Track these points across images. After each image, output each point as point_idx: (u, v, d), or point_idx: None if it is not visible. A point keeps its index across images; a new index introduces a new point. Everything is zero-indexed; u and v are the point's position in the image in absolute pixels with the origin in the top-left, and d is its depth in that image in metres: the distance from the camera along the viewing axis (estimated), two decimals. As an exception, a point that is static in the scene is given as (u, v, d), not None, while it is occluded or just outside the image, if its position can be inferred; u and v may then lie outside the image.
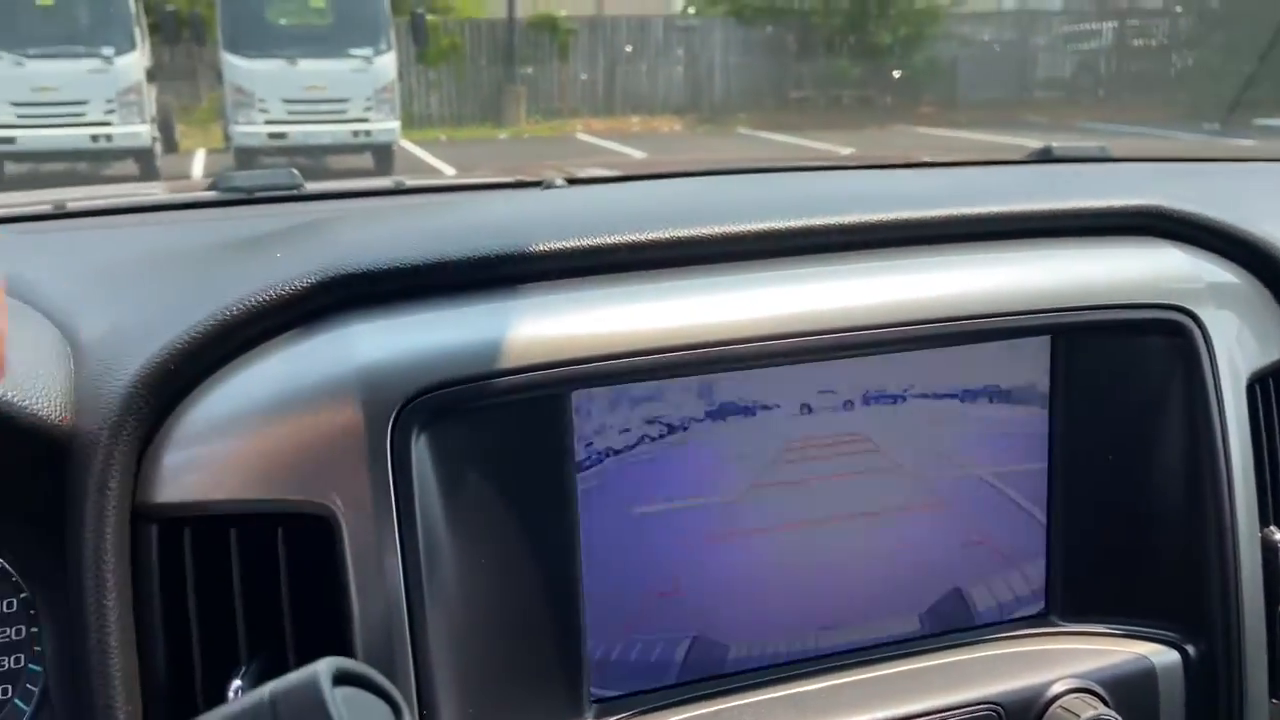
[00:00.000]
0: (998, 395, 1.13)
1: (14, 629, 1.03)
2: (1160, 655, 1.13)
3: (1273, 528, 1.17)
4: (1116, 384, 1.13)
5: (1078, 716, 1.05)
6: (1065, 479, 1.14)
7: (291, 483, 0.88)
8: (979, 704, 1.06)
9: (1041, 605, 1.17)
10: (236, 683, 0.87)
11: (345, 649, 0.89)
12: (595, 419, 0.99)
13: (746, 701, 1.04)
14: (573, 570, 0.99)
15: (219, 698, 0.88)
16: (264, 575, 0.91)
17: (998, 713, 1.06)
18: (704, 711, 1.03)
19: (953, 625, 1.15)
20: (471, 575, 0.94)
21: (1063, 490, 1.15)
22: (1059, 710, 1.06)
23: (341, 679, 0.63)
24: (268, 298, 0.93)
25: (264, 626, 0.91)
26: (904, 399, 1.09)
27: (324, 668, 0.62)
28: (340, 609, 0.89)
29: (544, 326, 0.96)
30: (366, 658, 0.88)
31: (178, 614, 0.91)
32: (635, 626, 1.04)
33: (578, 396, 0.98)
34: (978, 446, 1.13)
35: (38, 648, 1.02)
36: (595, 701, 1.03)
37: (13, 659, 1.02)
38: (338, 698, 0.61)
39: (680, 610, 1.06)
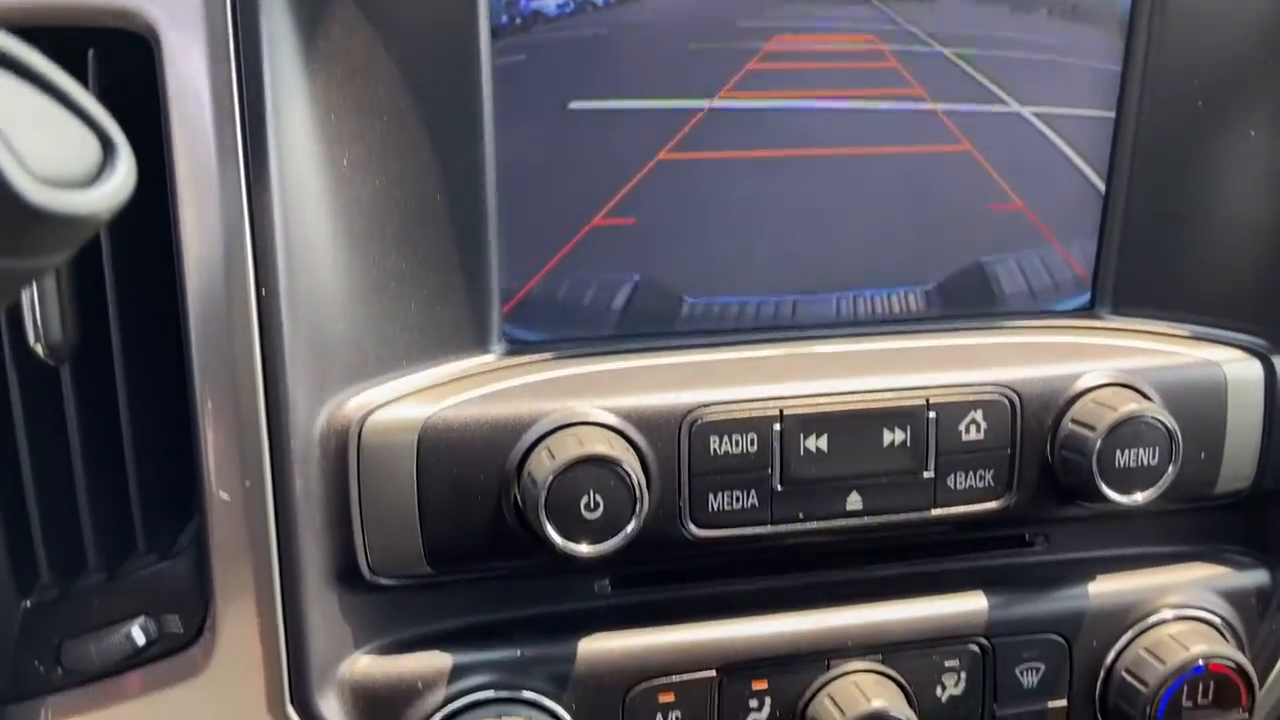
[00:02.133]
0: (1062, 7, 0.87)
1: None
2: (1235, 362, 0.89)
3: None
4: (1220, 9, 0.86)
5: (1113, 410, 0.83)
6: (1137, 134, 0.89)
7: (99, -17, 0.68)
8: (988, 386, 0.84)
9: (1086, 296, 0.94)
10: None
11: (169, 207, 0.70)
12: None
13: (696, 360, 0.85)
14: (478, 174, 0.78)
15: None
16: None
17: (1010, 398, 0.84)
18: (640, 364, 0.83)
19: (970, 307, 0.93)
20: (336, 144, 0.73)
21: (1132, 148, 0.89)
22: (1090, 404, 0.84)
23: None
24: None
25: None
26: (932, -7, 0.84)
27: None
28: (158, 154, 0.70)
29: None
30: (194, 216, 0.70)
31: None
32: (565, 259, 0.85)
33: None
34: (1027, 76, 0.88)
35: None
36: (509, 341, 0.84)
37: None
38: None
39: (624, 243, 0.85)
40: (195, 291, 0.70)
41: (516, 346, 0.84)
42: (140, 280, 0.74)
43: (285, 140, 0.70)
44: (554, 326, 0.85)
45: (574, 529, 0.74)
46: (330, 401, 0.75)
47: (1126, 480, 0.83)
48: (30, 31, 0.70)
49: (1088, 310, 0.94)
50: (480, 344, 0.82)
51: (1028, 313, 0.93)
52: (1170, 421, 0.83)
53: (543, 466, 0.74)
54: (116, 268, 0.72)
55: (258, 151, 0.69)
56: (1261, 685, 0.95)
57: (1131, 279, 0.93)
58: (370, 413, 0.76)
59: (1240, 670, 0.88)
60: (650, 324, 0.87)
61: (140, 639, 0.75)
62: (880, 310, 0.91)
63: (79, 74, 0.70)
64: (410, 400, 0.77)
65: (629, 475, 0.75)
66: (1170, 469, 0.83)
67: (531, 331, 0.85)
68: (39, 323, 0.70)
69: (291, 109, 0.71)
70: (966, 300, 0.92)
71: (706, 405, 0.80)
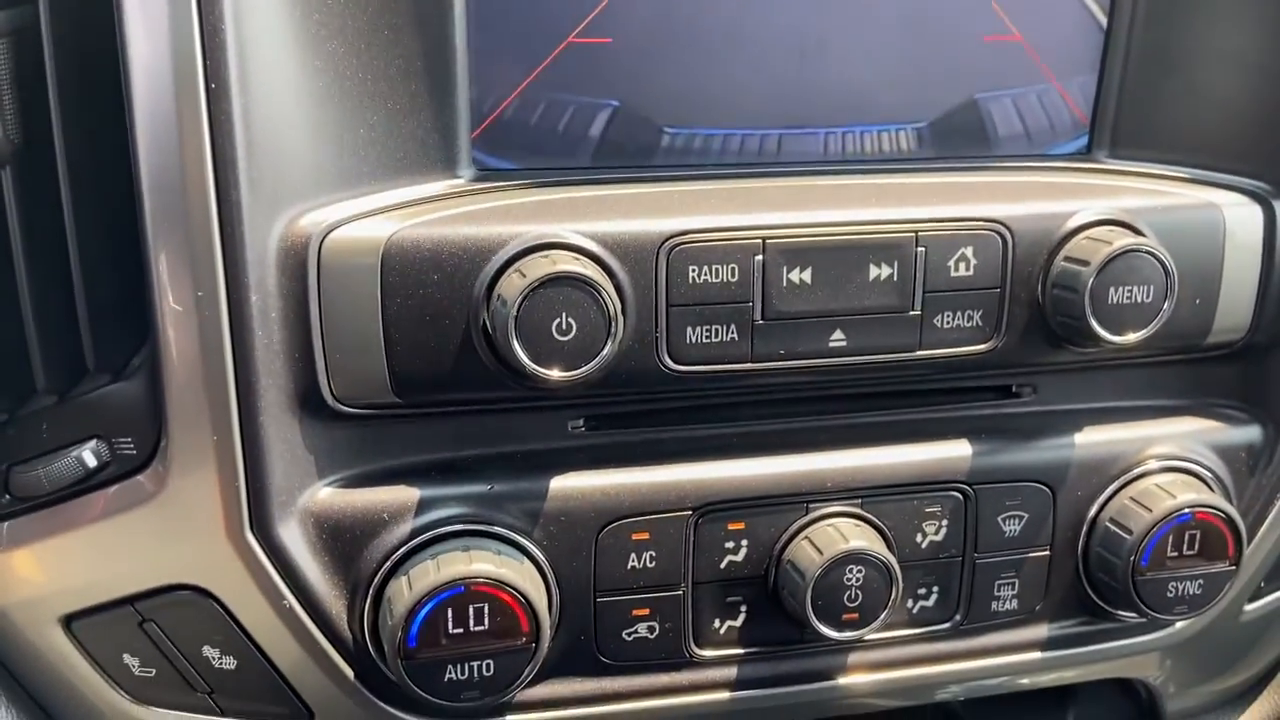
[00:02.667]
0: None
1: None
2: (1235, 206, 0.86)
3: None
4: None
5: (1108, 244, 0.79)
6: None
7: None
8: (980, 221, 0.81)
9: (1084, 139, 0.90)
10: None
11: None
12: None
13: (677, 189, 0.81)
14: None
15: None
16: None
17: (1002, 234, 0.81)
18: (618, 192, 0.79)
19: (963, 148, 0.89)
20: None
21: (1137, -23, 0.86)
22: (1084, 240, 0.81)
23: None
24: None
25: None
26: None
27: None
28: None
29: None
30: (141, 14, 0.65)
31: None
32: (538, 78, 0.80)
33: None
34: (1028, -104, 0.84)
35: None
36: (479, 167, 0.80)
37: None
38: None
39: (600, 65, 0.80)
40: (142, 86, 0.65)
41: (488, 172, 0.80)
42: (86, 79, 0.69)
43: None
44: (528, 153, 0.81)
45: (545, 352, 0.71)
46: (286, 213, 0.71)
47: (1119, 318, 0.80)
48: None
49: (1085, 153, 0.90)
50: (449, 167, 0.78)
51: (1023, 155, 0.90)
52: (1167, 257, 0.79)
53: (513, 286, 0.71)
54: (59, 62, 0.68)
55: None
56: (1250, 540, 0.93)
57: (1131, 120, 0.89)
58: (330, 230, 0.72)
59: (1229, 520, 0.86)
60: (629, 154, 0.83)
61: (91, 462, 0.71)
62: (870, 149, 0.87)
63: None
64: (373, 218, 0.73)
65: (603, 297, 0.71)
66: (1166, 307, 0.80)
67: (504, 159, 0.81)
68: (-25, 118, 0.66)
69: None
70: (960, 140, 0.88)
71: (686, 233, 0.76)
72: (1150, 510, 0.85)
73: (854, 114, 0.85)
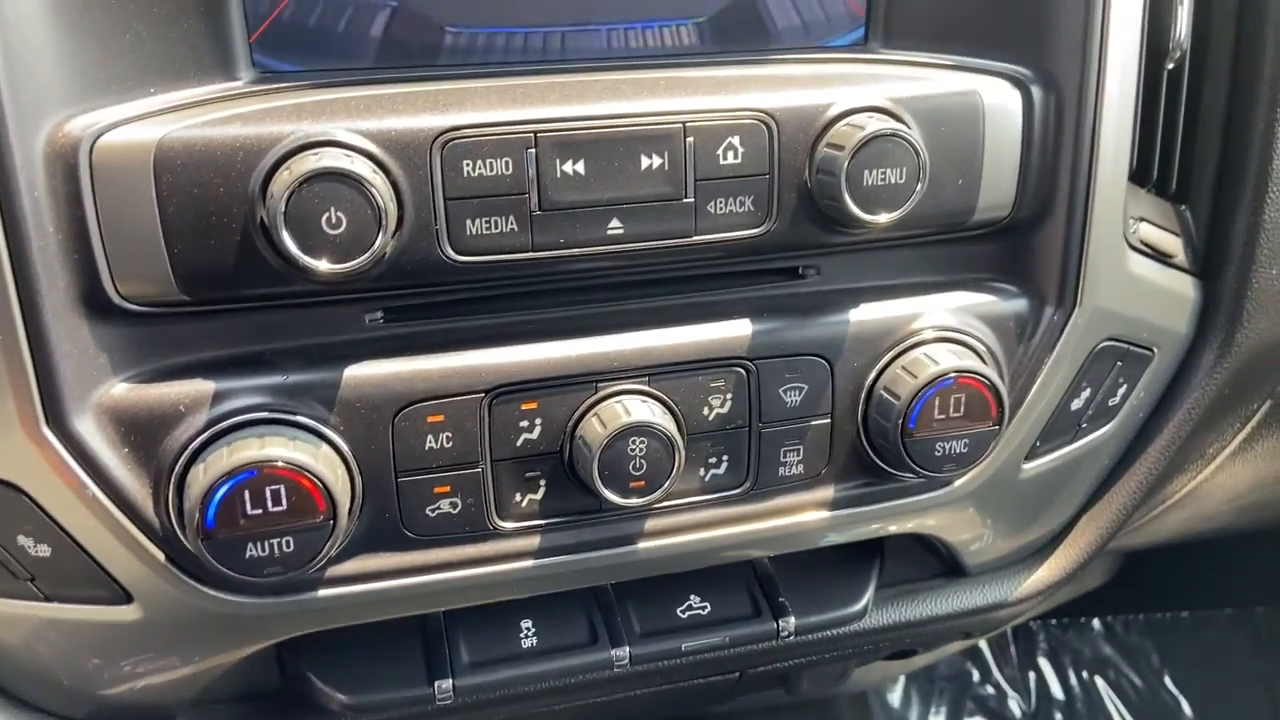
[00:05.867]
0: None
1: None
2: (996, 92, 0.91)
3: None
4: None
5: (861, 129, 0.84)
6: None
7: None
8: (745, 111, 0.85)
9: (860, 31, 0.95)
10: None
11: None
12: None
13: (453, 87, 0.84)
14: None
15: None
16: None
17: (767, 123, 0.85)
18: (394, 91, 0.82)
19: (744, 43, 0.93)
20: None
21: None
22: (844, 127, 0.85)
23: None
24: None
25: None
26: None
27: None
28: None
29: None
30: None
31: None
32: (314, -20, 0.82)
33: None
34: None
35: None
36: (260, 70, 0.82)
37: None
38: None
39: (376, -35, 0.83)
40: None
41: (267, 75, 0.82)
42: None
43: None
44: (309, 55, 0.83)
45: (315, 245, 0.75)
46: (51, 119, 0.73)
47: (874, 199, 0.85)
48: None
49: (861, 44, 0.95)
50: (226, 70, 0.80)
51: (801, 47, 0.94)
52: (917, 140, 0.85)
53: (281, 183, 0.74)
54: None
55: None
56: (1021, 403, 1.01)
57: (903, 12, 0.94)
58: (100, 134, 0.74)
59: (989, 384, 0.93)
60: (411, 53, 0.85)
61: (-121, 364, 0.74)
62: (652, 44, 0.91)
63: None
64: (144, 121, 0.76)
65: (371, 192, 0.75)
66: (918, 188, 0.86)
67: (285, 61, 0.83)
68: None
69: None
70: (740, 34, 0.92)
71: (459, 128, 0.80)
72: (916, 377, 0.92)
73: (635, 10, 0.89)
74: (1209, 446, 1.22)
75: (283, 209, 0.73)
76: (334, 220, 0.75)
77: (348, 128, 0.78)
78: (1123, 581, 1.94)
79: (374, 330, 0.87)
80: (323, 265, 0.75)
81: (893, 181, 0.85)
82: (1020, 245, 0.98)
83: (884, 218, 0.86)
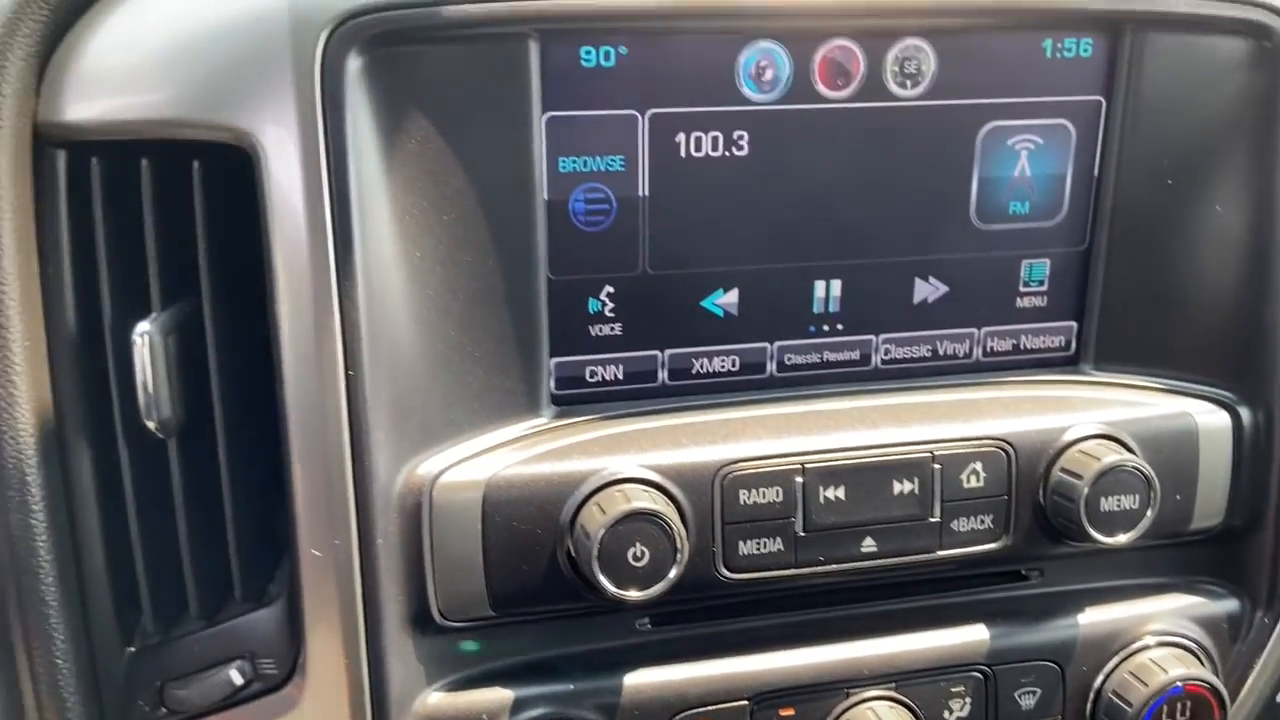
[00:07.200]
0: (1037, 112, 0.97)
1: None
2: (1207, 414, 0.99)
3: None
4: (1184, 92, 0.96)
5: (1098, 460, 0.93)
6: (1115, 204, 0.99)
7: (208, 104, 0.77)
8: (986, 439, 0.94)
9: (1070, 349, 1.04)
10: (144, 326, 0.78)
11: (266, 301, 0.80)
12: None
13: (722, 417, 0.93)
14: (531, 265, 0.88)
15: (126, 345, 0.80)
16: (180, 216, 0.81)
17: (1006, 450, 0.94)
18: (673, 423, 0.92)
19: (962, 361, 1.03)
20: (414, 236, 0.83)
21: (1110, 216, 0.99)
22: (1077, 454, 0.94)
23: None
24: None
25: (179, 273, 0.82)
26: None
27: None
28: (261, 256, 0.79)
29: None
30: (289, 310, 0.79)
31: (85, 254, 0.82)
32: (604, 339, 0.94)
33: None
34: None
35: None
36: (558, 407, 0.94)
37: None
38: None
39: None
40: (291, 375, 0.79)
41: (564, 410, 0.94)
42: (239, 363, 0.83)
43: (369, 240, 0.80)
44: (598, 396, 0.95)
45: (623, 577, 0.84)
46: (406, 466, 0.84)
47: (1110, 523, 0.93)
48: (149, 145, 0.80)
49: (1073, 364, 1.05)
50: (533, 409, 0.92)
51: (1017, 365, 1.04)
52: (1148, 470, 0.93)
53: (594, 521, 0.84)
54: (219, 353, 0.82)
55: (345, 251, 0.79)
56: (1234, 701, 1.05)
57: (1112, 336, 1.03)
58: (440, 474, 0.85)
59: (1214, 690, 0.98)
60: (685, 390, 0.97)
61: (238, 680, 0.83)
62: (885, 368, 1.01)
63: (184, 182, 0.80)
64: (473, 462, 0.86)
65: (671, 527, 0.84)
66: (1149, 512, 0.93)
67: (577, 401, 0.95)
68: (151, 402, 0.79)
69: (374, 212, 0.80)
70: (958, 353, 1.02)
71: (736, 461, 0.90)
72: (1146, 685, 0.97)
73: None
74: None
75: (596, 549, 0.83)
76: (638, 554, 0.84)
77: (642, 463, 0.88)
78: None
79: (644, 635, 0.95)
80: (632, 595, 0.83)
81: (1126, 507, 0.93)
82: (1232, 550, 1.04)
83: (1119, 539, 0.93)
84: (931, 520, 0.94)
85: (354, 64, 0.78)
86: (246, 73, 0.78)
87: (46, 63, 0.79)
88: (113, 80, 0.79)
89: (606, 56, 0.86)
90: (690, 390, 0.97)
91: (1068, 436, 0.96)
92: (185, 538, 0.84)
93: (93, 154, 0.80)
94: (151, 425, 0.80)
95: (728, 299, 0.95)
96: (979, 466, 0.94)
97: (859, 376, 1.00)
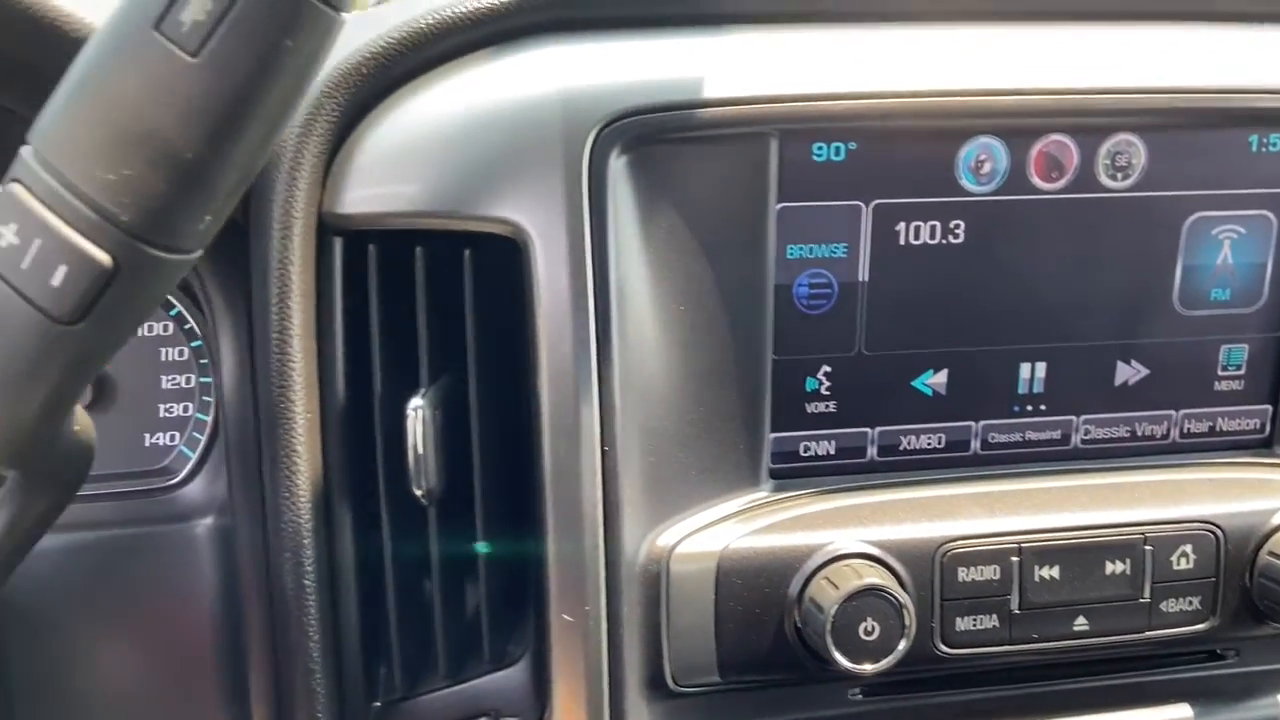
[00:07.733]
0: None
1: (184, 377, 1.03)
2: (1399, 492, 1.01)
3: None
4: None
5: (1309, 545, 0.94)
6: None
7: (482, 198, 0.83)
8: (1195, 522, 0.96)
9: (1265, 431, 1.06)
10: (416, 400, 0.84)
11: (529, 377, 0.85)
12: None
13: (938, 494, 0.96)
14: (761, 349, 0.92)
15: (398, 419, 0.85)
16: (449, 298, 0.87)
17: (1215, 533, 0.96)
18: (890, 498, 0.96)
19: (1159, 442, 1.05)
20: (661, 319, 0.88)
21: (1305, 305, 1.02)
22: (1286, 538, 0.96)
23: None
24: (462, 11, 0.87)
25: (446, 350, 0.88)
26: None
27: None
28: (525, 335, 0.85)
29: (752, 64, 0.88)
30: (551, 390, 0.84)
31: (359, 333, 0.88)
32: (819, 416, 0.98)
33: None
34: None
35: (206, 397, 1.02)
36: (776, 480, 0.97)
37: (181, 406, 1.03)
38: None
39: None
40: (550, 449, 0.84)
41: (781, 484, 0.97)
42: (494, 435, 0.88)
43: (626, 325, 0.85)
44: (813, 470, 0.99)
45: (855, 650, 0.87)
46: (649, 536, 0.88)
47: (1320, 606, 0.94)
48: (424, 234, 0.87)
49: (1265, 446, 1.06)
50: (754, 483, 0.96)
51: (1212, 447, 1.05)
52: (1360, 554, 0.94)
53: (827, 595, 0.87)
54: (482, 428, 0.87)
55: (604, 335, 0.84)
56: None
57: (1308, 418, 1.05)
58: (676, 545, 0.89)
59: None
60: (897, 465, 1.00)
61: (485, 738, 0.88)
62: (1085, 448, 1.03)
63: (455, 270, 0.86)
64: (705, 534, 0.91)
65: (899, 601, 0.87)
66: (1358, 595, 0.94)
67: (795, 475, 0.98)
68: (421, 471, 0.84)
69: (630, 298, 0.86)
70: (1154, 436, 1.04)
71: (955, 539, 0.93)
72: (1353, 771, 0.97)
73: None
74: None
75: (830, 623, 0.86)
76: (869, 628, 0.87)
77: (864, 538, 0.92)
78: None
79: (856, 705, 0.97)
80: (865, 667, 0.86)
81: (1336, 590, 0.94)
82: None
83: (1327, 623, 0.94)
84: (1142, 600, 0.95)
85: (617, 162, 0.84)
86: (518, 168, 0.83)
87: (333, 157, 0.86)
88: (391, 175, 0.85)
89: (837, 152, 0.91)
90: (897, 466, 1.00)
91: (1275, 520, 0.97)
92: (439, 600, 0.89)
93: (370, 241, 0.87)
94: (419, 493, 0.85)
95: (937, 379, 0.99)
96: (1189, 549, 0.96)
97: (1059, 455, 1.03)
